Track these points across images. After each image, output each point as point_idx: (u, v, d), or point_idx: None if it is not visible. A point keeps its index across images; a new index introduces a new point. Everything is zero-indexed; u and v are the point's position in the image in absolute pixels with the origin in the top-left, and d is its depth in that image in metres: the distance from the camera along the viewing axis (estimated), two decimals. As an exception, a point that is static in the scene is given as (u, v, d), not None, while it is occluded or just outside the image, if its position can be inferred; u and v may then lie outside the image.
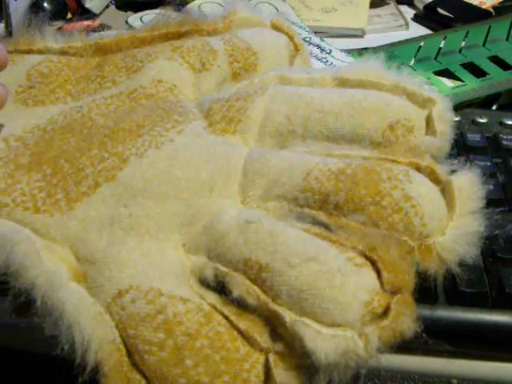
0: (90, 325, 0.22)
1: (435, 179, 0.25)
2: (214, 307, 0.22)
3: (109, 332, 0.22)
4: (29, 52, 0.33)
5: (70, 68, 0.31)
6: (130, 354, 0.22)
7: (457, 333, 0.25)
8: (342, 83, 0.30)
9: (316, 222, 0.24)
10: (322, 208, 0.24)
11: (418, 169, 0.25)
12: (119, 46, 0.33)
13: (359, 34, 0.50)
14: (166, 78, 0.30)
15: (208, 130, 0.27)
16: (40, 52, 0.33)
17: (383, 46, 0.44)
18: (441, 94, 0.29)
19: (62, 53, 0.33)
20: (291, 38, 0.35)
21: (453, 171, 0.26)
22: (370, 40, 0.49)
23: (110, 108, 0.29)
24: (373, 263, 0.22)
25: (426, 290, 0.25)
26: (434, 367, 0.26)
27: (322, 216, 0.24)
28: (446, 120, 0.28)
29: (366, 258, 0.22)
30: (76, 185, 0.25)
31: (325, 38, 0.44)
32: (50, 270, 0.22)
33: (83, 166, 0.26)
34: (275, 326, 0.22)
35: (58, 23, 0.47)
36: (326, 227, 0.24)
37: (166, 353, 0.21)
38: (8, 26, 0.42)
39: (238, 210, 0.24)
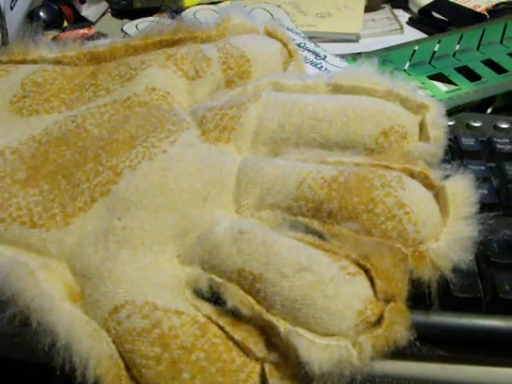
0: (86, 343, 0.22)
1: (429, 185, 0.25)
2: (209, 318, 0.23)
3: (106, 348, 0.22)
4: (23, 62, 0.33)
5: (65, 77, 0.31)
6: (128, 368, 0.22)
7: (451, 338, 0.25)
8: (336, 89, 0.30)
9: (309, 231, 0.24)
10: (316, 216, 0.24)
11: (412, 175, 0.25)
12: (113, 55, 0.33)
13: (354, 38, 0.50)
14: (159, 85, 0.30)
15: (201, 138, 0.27)
16: (34, 62, 0.33)
17: (378, 50, 0.44)
18: (434, 99, 0.29)
19: (57, 62, 0.33)
20: (285, 45, 0.35)
21: (446, 176, 0.26)
22: (365, 44, 0.49)
23: (104, 117, 0.29)
24: (366, 271, 0.22)
25: (419, 296, 0.25)
26: (429, 373, 0.26)
27: (315, 224, 0.24)
28: (439, 126, 0.28)
29: (360, 266, 0.22)
30: (72, 200, 0.25)
31: (319, 43, 0.44)
32: (42, 292, 0.23)
33: (79, 182, 0.26)
34: (270, 336, 0.22)
35: (54, 32, 0.47)
36: (320, 236, 0.24)
37: (163, 366, 0.21)
38: (3, 36, 0.42)
39: (231, 220, 0.25)
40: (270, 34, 0.35)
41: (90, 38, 0.46)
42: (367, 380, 0.26)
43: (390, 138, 0.27)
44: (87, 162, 0.26)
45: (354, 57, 0.44)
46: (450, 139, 0.29)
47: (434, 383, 0.26)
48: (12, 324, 0.25)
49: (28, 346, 0.22)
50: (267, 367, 0.22)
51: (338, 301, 0.21)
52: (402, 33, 0.52)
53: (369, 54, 0.43)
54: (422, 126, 0.28)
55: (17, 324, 0.23)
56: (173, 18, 0.51)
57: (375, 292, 0.22)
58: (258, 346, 0.22)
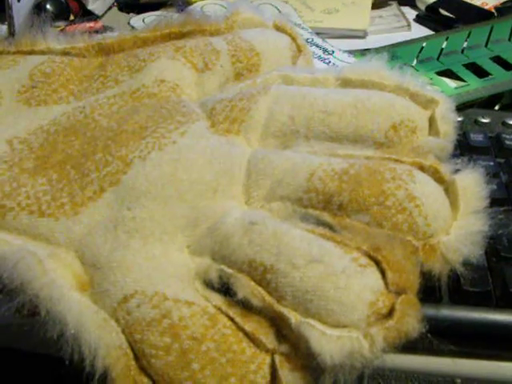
0: (95, 333, 0.22)
1: (439, 179, 0.25)
2: (219, 309, 0.22)
3: (115, 337, 0.22)
4: (31, 53, 0.33)
5: (73, 68, 0.31)
6: (137, 358, 0.22)
7: (461, 332, 0.25)
8: (345, 83, 0.30)
9: (320, 223, 0.24)
10: (326, 208, 0.24)
11: (422, 168, 0.25)
12: (122, 47, 0.33)
13: (361, 34, 0.49)
14: (168, 77, 0.30)
15: (211, 130, 0.27)
16: (42, 53, 0.33)
17: (385, 46, 0.44)
18: (444, 94, 0.29)
19: (65, 53, 0.33)
20: (294, 39, 0.35)
21: (456, 171, 0.26)
22: (372, 41, 0.49)
23: (112, 108, 0.29)
24: (377, 263, 0.22)
25: (429, 290, 0.25)
26: (438, 367, 0.26)
27: (325, 216, 0.24)
28: (449, 120, 0.28)
29: (371, 258, 0.22)
30: (81, 190, 0.25)
31: (327, 39, 0.44)
32: (51, 281, 0.22)
33: (88, 172, 0.26)
34: (280, 328, 0.22)
35: (61, 24, 0.47)
36: (330, 228, 0.24)
37: (173, 357, 0.21)
38: (11, 26, 0.42)
39: (242, 211, 0.24)
40: (278, 29, 0.35)
41: (97, 31, 0.46)
42: (376, 374, 0.26)
43: (399, 132, 0.27)
44: (96, 152, 0.26)
45: (362, 53, 0.44)
46: (458, 135, 0.29)
47: (442, 377, 0.26)
48: (19, 314, 0.25)
49: (36, 336, 0.22)
50: (278, 359, 0.22)
51: (349, 292, 0.21)
52: (410, 30, 0.51)
53: (376, 50, 0.42)
54: (432, 121, 0.28)
55: (24, 314, 0.23)
56: (180, 12, 0.51)
57: (386, 284, 0.22)
58: (268, 338, 0.22)
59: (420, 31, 0.51)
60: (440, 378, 0.26)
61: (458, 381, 0.26)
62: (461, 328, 0.25)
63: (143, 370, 0.22)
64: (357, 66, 0.31)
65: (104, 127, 0.27)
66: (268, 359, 0.22)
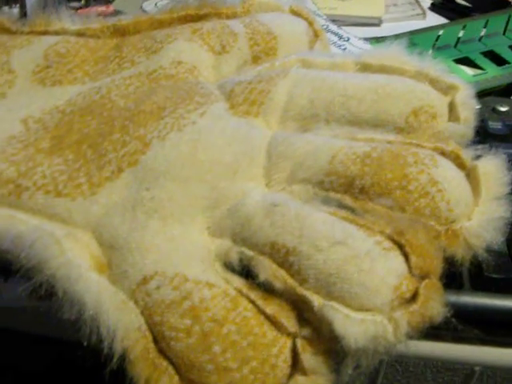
0: (114, 314, 0.21)
1: (460, 164, 0.25)
2: (240, 292, 0.22)
3: (134, 319, 0.22)
4: (45, 33, 0.32)
5: (88, 49, 0.31)
6: (156, 340, 0.21)
7: (482, 319, 0.25)
8: (365, 68, 0.30)
9: (342, 206, 0.24)
10: (348, 192, 0.24)
11: (443, 154, 0.25)
12: (137, 28, 0.32)
13: (376, 22, 0.49)
14: (185, 59, 0.29)
15: (230, 111, 0.27)
16: (57, 33, 0.32)
17: (401, 34, 0.43)
18: (463, 80, 0.29)
19: (79, 34, 0.32)
20: (310, 24, 0.34)
21: (477, 157, 0.25)
22: (387, 29, 0.49)
23: (129, 89, 0.28)
24: (400, 247, 0.22)
25: (450, 276, 0.25)
26: (457, 354, 0.25)
27: (347, 200, 0.24)
28: (469, 107, 0.28)
29: (394, 242, 0.22)
30: (99, 170, 0.25)
31: (342, 27, 0.44)
32: (69, 260, 0.22)
33: (106, 151, 0.25)
34: (302, 311, 0.22)
35: (75, 4, 0.47)
36: (352, 211, 0.23)
37: (193, 339, 0.21)
38: (23, 8, 0.42)
39: (262, 192, 0.24)
40: (295, 13, 0.35)
41: (109, 15, 0.45)
42: (394, 360, 0.26)
43: (419, 118, 0.27)
44: (114, 132, 0.26)
45: (378, 40, 0.43)
46: (477, 122, 0.28)
47: (461, 364, 0.26)
48: (35, 295, 0.24)
49: (52, 318, 0.22)
50: (299, 342, 0.21)
51: (373, 275, 0.21)
52: (425, 18, 0.51)
53: (392, 38, 0.42)
54: (452, 107, 0.28)
55: (41, 295, 0.23)
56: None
57: (410, 268, 0.21)
58: (289, 321, 0.22)
59: (435, 20, 0.50)
60: (459, 365, 0.26)
61: (477, 368, 0.26)
62: (482, 315, 0.25)
63: (162, 352, 0.22)
64: (376, 51, 0.30)
65: (121, 107, 0.27)
66: (289, 343, 0.22)
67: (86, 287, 0.22)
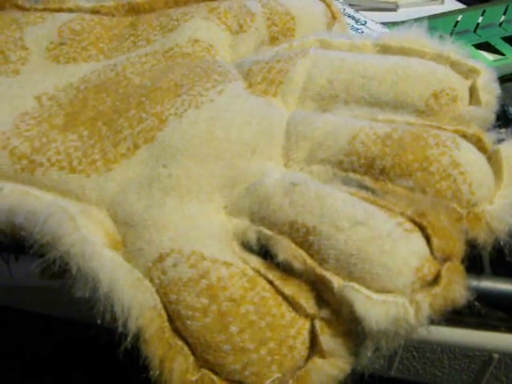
0: (128, 292, 0.21)
1: (482, 148, 0.24)
2: (258, 272, 0.22)
3: (149, 298, 0.21)
4: (59, 10, 0.32)
5: (103, 26, 0.30)
6: (171, 319, 0.21)
7: (503, 305, 0.24)
8: (384, 50, 0.29)
9: (362, 187, 0.23)
10: (368, 173, 0.23)
11: (464, 136, 0.25)
12: (152, 7, 0.32)
13: (393, 7, 0.48)
14: (202, 37, 0.29)
15: (248, 90, 0.26)
16: (70, 10, 0.32)
17: (419, 18, 0.42)
18: (485, 64, 0.28)
19: (94, 12, 0.32)
20: (328, 6, 0.34)
21: (499, 141, 0.25)
22: (404, 14, 0.48)
23: (145, 67, 0.28)
24: (422, 229, 0.21)
25: (471, 260, 0.24)
26: (475, 341, 0.25)
27: (367, 181, 0.23)
28: (491, 90, 0.27)
29: (415, 223, 0.21)
30: (114, 146, 0.24)
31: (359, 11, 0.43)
32: (83, 237, 0.22)
33: (121, 128, 0.25)
34: (321, 292, 0.21)
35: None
36: (373, 192, 0.23)
37: (210, 319, 0.20)
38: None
39: (281, 172, 0.24)
40: (312, -5, 0.34)
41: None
42: (411, 345, 0.26)
43: (440, 101, 0.26)
44: (129, 108, 0.25)
45: (394, 25, 0.42)
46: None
47: (479, 351, 0.25)
48: (48, 273, 0.24)
49: (65, 296, 0.22)
50: (318, 324, 0.21)
51: (395, 257, 0.20)
52: (442, 3, 0.50)
53: (411, 22, 0.41)
54: (473, 91, 0.27)
55: (54, 272, 0.23)
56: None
57: (432, 250, 0.21)
58: (308, 302, 0.21)
59: (453, 5, 0.50)
60: (477, 352, 0.25)
61: (496, 356, 0.25)
62: (503, 300, 0.24)
63: (177, 332, 0.21)
64: (396, 34, 0.30)
65: (137, 85, 0.27)
66: (308, 324, 0.21)
67: (100, 264, 0.21)
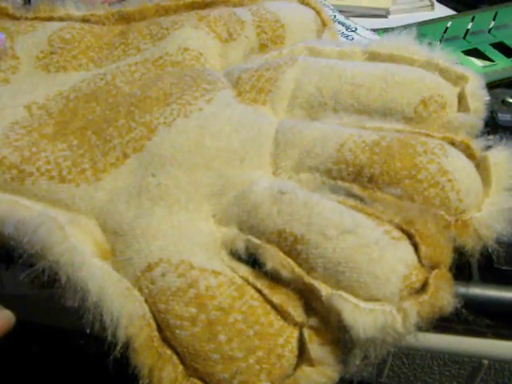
0: (117, 301, 0.21)
1: (470, 155, 0.25)
2: (246, 280, 0.22)
3: (138, 307, 0.21)
4: (50, 19, 0.32)
5: (93, 35, 0.31)
6: (160, 329, 0.21)
7: (491, 311, 0.24)
8: (373, 57, 0.29)
9: (350, 195, 0.23)
10: (356, 180, 0.23)
11: (453, 144, 0.25)
12: (143, 15, 0.32)
13: (383, 13, 0.48)
14: (192, 46, 0.29)
15: (237, 99, 0.27)
16: (61, 19, 0.32)
17: (409, 25, 0.43)
18: (473, 71, 0.29)
19: (84, 20, 0.32)
20: (319, 13, 0.34)
21: (487, 148, 0.25)
22: (394, 20, 0.48)
23: (135, 75, 0.28)
24: (410, 237, 0.21)
25: (459, 268, 0.24)
26: (465, 347, 0.25)
27: (355, 189, 0.23)
28: (479, 97, 0.27)
29: (403, 231, 0.21)
30: (103, 156, 0.24)
31: (349, 17, 0.43)
32: (72, 247, 0.22)
33: (111, 137, 0.25)
34: (309, 300, 0.21)
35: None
36: (361, 200, 0.23)
37: (199, 328, 0.21)
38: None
39: (270, 180, 0.24)
40: (303, 2, 0.35)
41: (114, 3, 0.45)
42: (401, 352, 0.26)
43: (429, 108, 0.27)
44: (119, 118, 0.25)
45: (386, 31, 0.43)
46: (486, 114, 0.28)
47: (469, 357, 0.25)
48: (38, 282, 0.24)
49: (55, 306, 0.22)
50: (306, 332, 0.21)
51: (382, 265, 0.20)
52: (433, 10, 0.50)
53: (400, 29, 0.42)
54: (462, 97, 0.28)
55: (43, 282, 0.23)
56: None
57: (419, 258, 0.21)
58: (296, 310, 0.21)
59: (443, 11, 0.50)
60: (466, 358, 0.25)
61: (485, 362, 0.25)
62: (491, 307, 0.24)
63: (167, 341, 0.21)
64: (385, 41, 0.30)
65: (126, 93, 0.27)
66: (296, 333, 0.21)
67: (89, 274, 0.21)
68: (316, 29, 0.33)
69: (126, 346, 0.21)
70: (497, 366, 0.25)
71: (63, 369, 0.30)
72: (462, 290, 0.24)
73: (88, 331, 0.21)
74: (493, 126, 0.33)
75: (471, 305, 0.24)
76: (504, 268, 0.25)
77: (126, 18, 0.32)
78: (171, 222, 0.23)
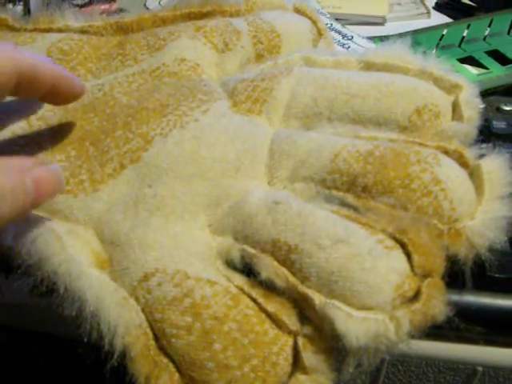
0: (114, 310, 0.21)
1: (463, 163, 0.25)
2: (242, 290, 0.22)
3: (135, 316, 0.22)
4: (49, 30, 0.32)
5: (91, 46, 0.31)
6: (156, 338, 0.22)
7: (485, 319, 0.25)
8: (368, 66, 0.30)
9: (344, 204, 0.24)
10: (350, 190, 0.24)
11: (446, 152, 0.25)
12: (140, 26, 0.32)
13: (380, 21, 0.49)
14: (189, 56, 0.29)
15: (233, 109, 0.27)
16: (60, 31, 0.32)
17: (405, 33, 0.43)
18: (467, 79, 0.29)
19: (83, 32, 0.32)
20: (314, 23, 0.34)
21: (481, 156, 0.25)
22: (391, 28, 0.48)
23: (132, 86, 0.28)
24: (403, 246, 0.22)
25: (453, 276, 0.25)
26: (459, 354, 0.25)
27: (349, 198, 0.24)
28: (473, 106, 0.28)
29: (396, 240, 0.22)
30: (101, 166, 0.25)
31: (345, 25, 0.44)
32: (70, 257, 0.22)
33: (108, 148, 0.25)
34: (303, 309, 0.22)
35: (77, 1, 0.47)
36: (355, 209, 0.23)
37: (194, 336, 0.21)
38: (26, 4, 0.42)
39: (265, 190, 0.24)
40: (298, 12, 0.35)
41: (112, 14, 0.45)
42: (395, 359, 0.26)
43: (423, 117, 0.27)
44: (116, 129, 0.26)
45: (382, 39, 0.43)
46: (481, 122, 0.28)
47: (463, 364, 0.26)
48: (36, 292, 0.24)
49: (53, 315, 0.22)
50: (301, 341, 0.21)
51: (375, 274, 0.21)
52: (429, 17, 0.51)
53: (396, 37, 0.42)
54: (456, 106, 0.28)
55: (42, 291, 0.23)
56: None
57: (412, 267, 0.21)
58: (291, 319, 0.22)
59: (439, 19, 0.50)
60: (461, 365, 0.26)
61: (480, 369, 0.25)
62: (485, 315, 0.25)
63: (163, 350, 0.22)
64: (380, 50, 0.30)
65: (124, 104, 0.27)
66: (291, 341, 0.21)
67: (87, 283, 0.22)
68: (312, 38, 0.33)
69: (123, 354, 0.21)
70: (491, 373, 0.26)
71: (61, 377, 0.31)
72: (456, 297, 0.24)
73: (86, 340, 0.21)
74: (487, 134, 0.33)
75: (465, 312, 0.24)
76: (497, 276, 0.25)
77: (123, 29, 0.32)
78: (167, 232, 0.23)
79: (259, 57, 0.32)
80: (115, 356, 0.21)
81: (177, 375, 0.21)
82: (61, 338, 0.26)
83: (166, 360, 0.21)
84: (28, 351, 0.30)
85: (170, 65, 0.29)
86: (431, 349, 0.25)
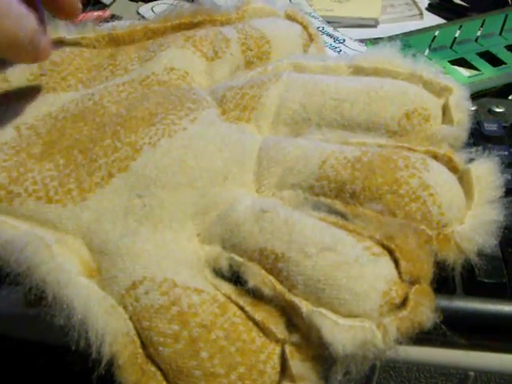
0: (102, 318, 0.21)
1: (453, 168, 0.25)
2: (229, 298, 0.22)
3: (122, 324, 0.22)
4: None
5: (82, 58, 0.31)
6: (144, 346, 0.22)
7: (475, 324, 0.25)
8: (357, 71, 0.30)
9: (332, 211, 0.24)
10: (338, 197, 0.24)
11: (435, 157, 0.25)
12: (132, 38, 0.32)
13: (372, 23, 0.49)
14: (178, 65, 0.30)
15: (222, 117, 0.27)
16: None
17: (397, 35, 0.43)
18: (457, 82, 0.29)
19: (75, 44, 0.32)
20: (305, 28, 0.34)
21: (470, 160, 0.25)
22: (384, 30, 0.48)
23: (121, 95, 0.28)
24: (390, 252, 0.22)
25: (443, 281, 0.25)
26: (451, 359, 0.25)
27: (337, 205, 0.24)
28: (463, 109, 0.28)
29: (384, 247, 0.22)
30: (89, 175, 0.25)
31: (338, 28, 0.44)
32: (58, 265, 0.22)
33: (96, 157, 0.25)
34: (291, 317, 0.22)
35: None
36: (343, 216, 0.23)
37: (181, 345, 0.21)
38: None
39: (252, 198, 0.24)
40: (289, 17, 0.35)
41: (105, 20, 0.45)
42: (387, 365, 0.26)
43: (412, 121, 0.27)
44: (105, 137, 0.26)
45: (374, 41, 0.43)
46: (472, 124, 0.28)
47: (455, 369, 0.25)
48: (25, 300, 0.24)
49: (41, 324, 0.22)
50: (288, 349, 0.21)
51: (362, 281, 0.21)
52: (422, 18, 0.51)
53: (388, 39, 0.42)
54: (446, 109, 0.28)
55: (30, 300, 0.23)
56: (191, 1, 0.50)
57: (400, 273, 0.21)
58: (278, 327, 0.22)
59: (432, 20, 0.50)
60: (452, 370, 0.26)
61: (471, 373, 0.25)
62: (475, 320, 0.25)
63: (150, 358, 0.22)
64: (369, 54, 0.30)
65: (113, 113, 0.27)
66: (278, 349, 0.21)
67: (75, 292, 0.22)
68: (302, 43, 0.33)
69: (111, 362, 0.21)
70: (483, 378, 0.26)
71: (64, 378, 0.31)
72: (445, 303, 0.24)
73: (73, 348, 0.21)
74: (479, 136, 0.33)
75: (455, 318, 0.24)
76: (486, 281, 0.25)
77: (115, 41, 0.32)
78: (155, 241, 0.23)
79: (249, 64, 0.32)
80: (103, 364, 0.21)
81: (164, 383, 0.21)
82: (51, 346, 0.26)
83: (153, 368, 0.21)
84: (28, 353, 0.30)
85: (159, 74, 0.29)
86: (422, 355, 0.25)
